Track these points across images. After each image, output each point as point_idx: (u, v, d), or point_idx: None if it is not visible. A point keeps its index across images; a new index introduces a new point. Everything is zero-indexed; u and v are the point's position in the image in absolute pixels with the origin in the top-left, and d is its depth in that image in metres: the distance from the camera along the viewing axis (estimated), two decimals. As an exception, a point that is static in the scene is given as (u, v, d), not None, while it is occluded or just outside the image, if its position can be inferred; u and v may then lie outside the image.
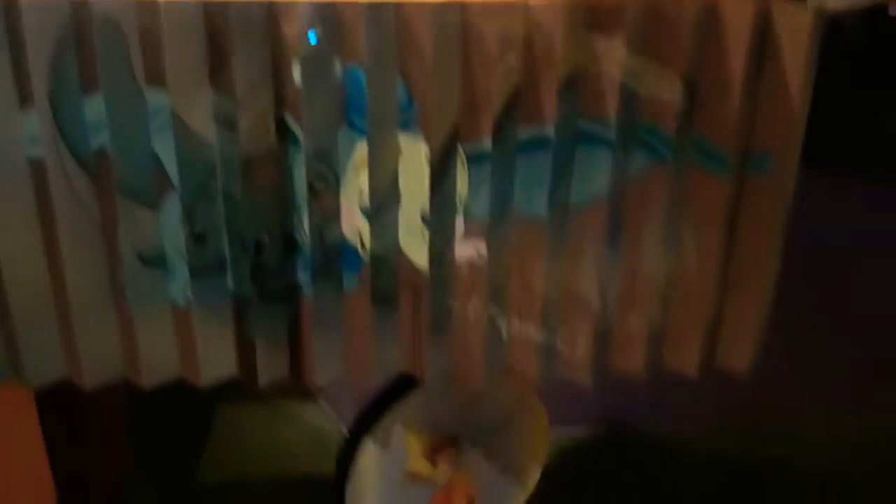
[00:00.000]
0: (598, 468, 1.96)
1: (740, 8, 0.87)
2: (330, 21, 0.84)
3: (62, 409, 1.28)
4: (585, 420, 2.07)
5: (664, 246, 0.97)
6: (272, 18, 0.84)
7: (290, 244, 0.94)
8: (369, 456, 1.23)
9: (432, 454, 1.27)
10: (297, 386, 2.20)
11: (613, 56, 0.88)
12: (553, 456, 1.48)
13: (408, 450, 1.25)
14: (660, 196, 0.94)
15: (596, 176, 0.93)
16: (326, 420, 2.07)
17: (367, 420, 1.23)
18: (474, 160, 0.91)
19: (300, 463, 1.93)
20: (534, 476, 1.41)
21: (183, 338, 0.96)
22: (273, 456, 1.95)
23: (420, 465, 1.30)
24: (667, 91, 0.90)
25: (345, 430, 2.04)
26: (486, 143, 0.89)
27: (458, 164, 0.92)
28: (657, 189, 0.94)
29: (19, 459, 1.23)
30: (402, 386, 1.17)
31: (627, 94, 0.89)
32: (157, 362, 0.97)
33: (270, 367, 0.99)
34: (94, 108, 0.85)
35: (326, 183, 0.91)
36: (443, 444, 1.27)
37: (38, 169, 0.86)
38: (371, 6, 0.83)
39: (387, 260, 0.95)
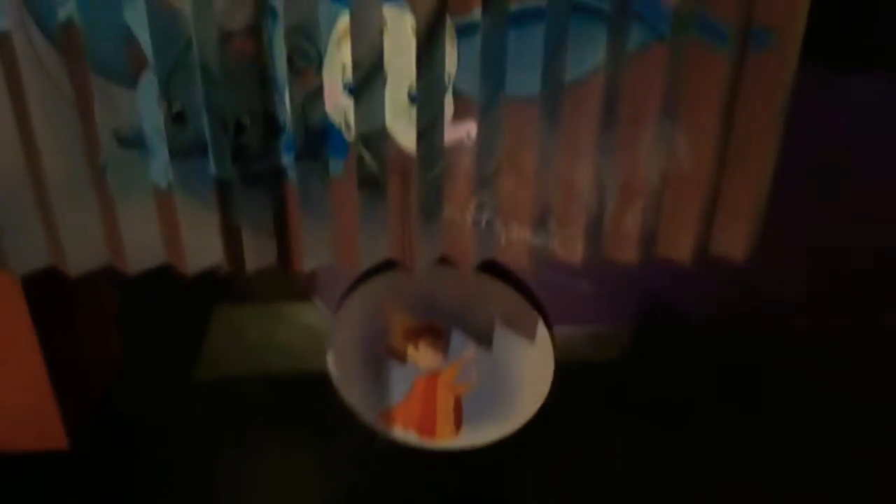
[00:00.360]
0: (606, 363, 1.98)
1: None
2: None
3: (53, 302, 1.28)
4: (583, 318, 2.08)
5: (661, 126, 0.94)
6: None
7: (272, 125, 0.91)
8: (351, 323, 1.24)
9: (415, 336, 1.27)
10: (292, 286, 2.20)
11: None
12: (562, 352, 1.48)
13: (390, 325, 1.25)
14: (658, 74, 0.90)
15: (591, 52, 0.88)
16: (321, 320, 2.08)
17: (350, 291, 1.22)
18: (463, 33, 0.86)
19: (295, 361, 1.94)
20: (536, 390, 1.37)
21: (167, 223, 0.94)
22: (268, 355, 1.96)
23: (400, 342, 1.30)
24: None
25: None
26: (476, 15, 0.85)
27: (447, 38, 0.87)
28: (655, 66, 0.90)
29: (11, 349, 1.23)
30: (390, 267, 1.16)
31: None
32: (142, 248, 0.95)
33: (257, 253, 0.98)
34: (60, -24, 0.80)
35: (307, 59, 0.87)
36: (427, 329, 1.27)
37: (4, 43, 0.82)
38: None
39: (373, 141, 0.92)
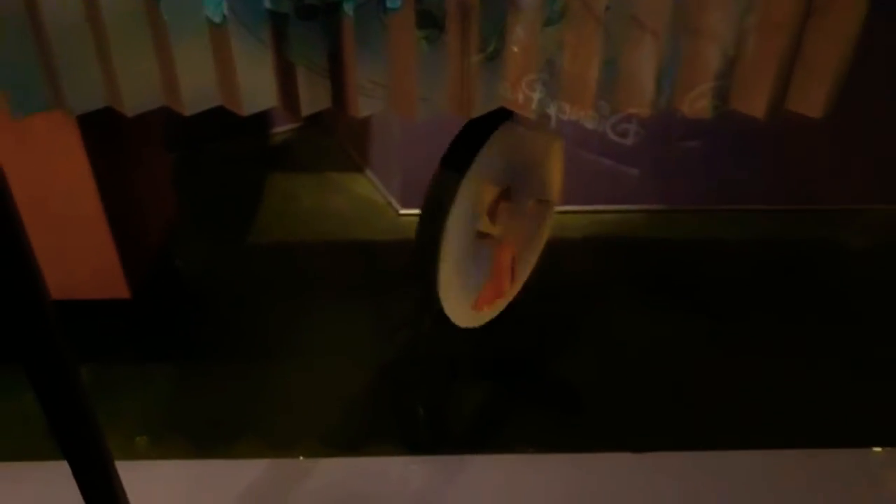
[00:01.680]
0: (654, 243, 1.95)
1: None
2: None
3: (112, 154, 1.29)
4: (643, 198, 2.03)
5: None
6: None
7: (328, -48, 0.87)
8: (456, 210, 1.18)
9: (493, 210, 1.25)
10: (345, 158, 2.20)
11: None
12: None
13: (479, 209, 1.22)
14: None
15: None
16: (374, 190, 2.07)
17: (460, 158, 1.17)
18: None
19: (346, 229, 1.96)
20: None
21: (221, 61, 0.92)
22: (321, 222, 1.98)
23: (487, 225, 1.28)
24: None
25: (393, 201, 2.06)
26: None
27: None
28: None
29: (73, 201, 1.25)
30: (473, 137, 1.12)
31: None
32: (197, 89, 0.93)
33: (312, 95, 0.95)
34: None
35: None
36: (500, 197, 1.24)
37: None
38: None
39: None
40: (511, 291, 1.42)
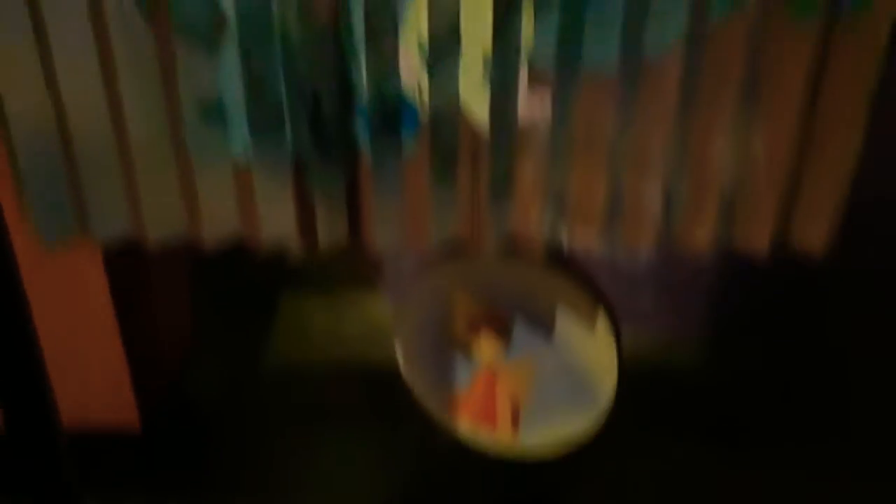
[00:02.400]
0: (673, 371, 1.93)
1: None
2: None
3: (132, 281, 1.32)
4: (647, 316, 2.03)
5: (741, 106, 0.91)
6: None
7: (347, 96, 0.92)
8: (417, 310, 1.23)
9: (478, 325, 1.25)
10: (359, 276, 2.21)
11: None
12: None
13: (455, 313, 1.24)
14: (739, 49, 0.88)
15: (671, 24, 0.87)
16: (387, 310, 2.08)
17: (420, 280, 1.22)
18: (542, 5, 0.86)
19: (361, 351, 1.96)
20: (604, 390, 1.32)
21: (243, 194, 0.96)
22: (335, 344, 1.98)
23: (464, 332, 1.29)
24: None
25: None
26: (556, -14, 0.84)
27: (523, 13, 0.87)
28: (736, 40, 0.88)
29: (90, 325, 1.27)
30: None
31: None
32: (218, 219, 0.97)
33: (329, 229, 0.99)
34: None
35: (384, 27, 0.87)
36: (490, 317, 1.25)
37: (96, 8, 0.85)
38: None
39: (446, 115, 0.92)
40: (517, 437, 1.39)
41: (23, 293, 0.91)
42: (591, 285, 1.26)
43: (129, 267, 1.31)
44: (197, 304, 1.85)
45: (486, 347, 1.29)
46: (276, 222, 0.98)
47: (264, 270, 2.02)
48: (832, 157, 0.94)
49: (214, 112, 0.91)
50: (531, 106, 0.92)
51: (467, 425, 1.38)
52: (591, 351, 1.31)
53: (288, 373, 1.89)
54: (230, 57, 0.87)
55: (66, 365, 1.22)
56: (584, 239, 1.00)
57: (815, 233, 1.00)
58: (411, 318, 1.29)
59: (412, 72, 0.90)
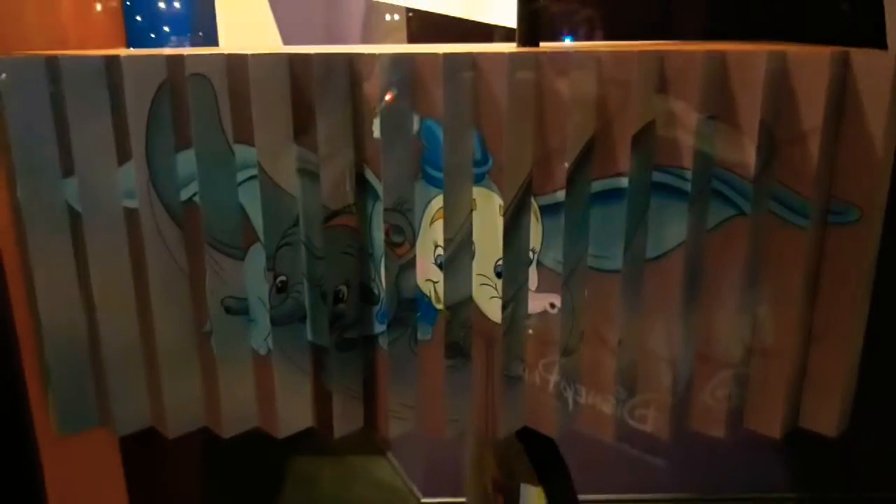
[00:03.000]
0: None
1: (815, 57, 0.86)
2: (407, 74, 0.87)
3: (142, 456, 1.32)
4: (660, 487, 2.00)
5: (743, 301, 0.95)
6: (353, 71, 0.88)
7: (367, 295, 0.96)
8: None
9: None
10: (367, 441, 2.21)
11: (688, 104, 0.88)
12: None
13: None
14: (738, 249, 0.93)
15: (671, 228, 0.92)
16: (396, 476, 2.06)
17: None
18: (548, 212, 0.92)
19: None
20: None
21: (262, 388, 0.98)
22: (343, 510, 1.95)
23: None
24: (739, 150, 0.90)
25: (415, 488, 2.03)
26: (560, 195, 0.90)
27: (532, 216, 0.93)
28: (736, 242, 0.93)
29: (100, 491, 1.26)
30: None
31: (702, 147, 0.89)
32: (237, 412, 0.99)
33: (346, 418, 1.00)
34: (185, 162, 0.89)
35: (402, 235, 0.93)
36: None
37: (131, 220, 0.91)
38: (447, 57, 0.86)
39: (460, 312, 0.96)
40: None
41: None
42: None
43: (139, 440, 1.31)
44: (206, 468, 1.84)
45: None
46: (294, 414, 1.00)
47: (272, 436, 2.01)
48: (837, 345, 0.97)
49: (238, 310, 0.95)
50: (541, 299, 0.95)
51: None
52: None
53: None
54: (255, 262, 0.92)
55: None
56: (596, 426, 1.02)
57: (826, 415, 1.01)
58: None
59: (428, 273, 0.94)
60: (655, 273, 0.94)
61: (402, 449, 2.09)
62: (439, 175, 0.90)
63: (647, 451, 1.96)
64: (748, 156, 0.89)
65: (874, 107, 0.87)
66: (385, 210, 0.91)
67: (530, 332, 0.97)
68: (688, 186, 0.90)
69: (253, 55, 0.86)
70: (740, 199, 0.91)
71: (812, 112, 0.88)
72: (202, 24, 1.58)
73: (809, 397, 1.01)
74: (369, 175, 0.91)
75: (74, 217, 0.91)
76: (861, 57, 0.88)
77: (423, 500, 1.98)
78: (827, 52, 0.87)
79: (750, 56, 0.87)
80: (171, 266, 0.93)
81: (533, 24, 1.05)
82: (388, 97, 0.87)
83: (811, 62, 0.87)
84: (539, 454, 1.20)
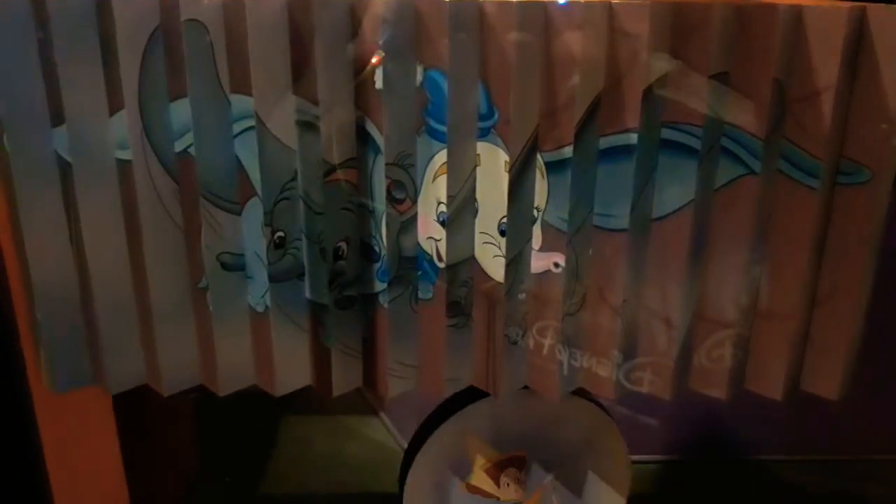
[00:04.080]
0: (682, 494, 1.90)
1: (831, 12, 0.84)
2: (410, 22, 0.84)
3: (138, 416, 1.30)
4: (661, 448, 2.01)
5: (749, 261, 0.94)
6: (355, 17, 0.84)
7: (368, 252, 0.94)
8: (429, 460, 1.21)
9: (496, 471, 1.24)
10: (359, 401, 2.20)
11: (702, 58, 0.85)
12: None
13: (470, 461, 1.22)
14: (746, 209, 0.91)
15: (679, 187, 0.90)
16: (388, 436, 2.06)
17: (430, 426, 1.20)
18: (553, 168, 0.89)
19: (362, 478, 1.92)
20: None
21: (259, 346, 0.97)
22: (335, 468, 1.94)
23: (482, 480, 1.27)
24: (750, 108, 0.87)
25: (406, 445, 2.03)
26: (567, 151, 0.88)
27: (537, 173, 0.90)
28: (743, 202, 0.91)
29: (95, 461, 1.25)
30: (469, 396, 1.14)
31: (713, 104, 0.87)
32: (234, 370, 0.97)
33: (345, 376, 0.99)
34: (179, 112, 0.86)
35: (404, 191, 0.91)
36: (509, 461, 1.24)
37: (124, 172, 0.88)
38: (453, 5, 0.83)
39: (462, 270, 0.94)
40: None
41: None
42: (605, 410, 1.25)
43: (133, 397, 1.30)
44: (198, 427, 1.83)
45: (506, 491, 1.27)
46: (292, 372, 0.98)
47: (265, 395, 2.00)
48: (841, 307, 0.96)
49: (234, 266, 0.92)
50: (545, 258, 0.94)
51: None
52: (607, 478, 1.30)
53: (288, 498, 1.85)
54: (252, 217, 0.90)
55: (69, 490, 1.20)
56: (597, 386, 1.01)
57: (828, 378, 1.00)
58: (424, 474, 1.24)
59: (429, 230, 0.92)
60: (661, 232, 0.92)
61: (394, 409, 2.09)
62: (443, 129, 0.87)
63: (640, 411, 1.96)
64: (760, 114, 0.87)
65: (890, 65, 0.85)
66: (386, 165, 0.88)
67: (533, 292, 0.95)
68: (697, 144, 0.88)
69: (252, 1, 0.82)
70: (750, 157, 0.89)
71: (826, 70, 0.85)
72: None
73: (812, 361, 1.00)
74: (370, 127, 0.89)
75: (64, 168, 0.88)
76: (879, 13, 0.85)
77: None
78: (844, 8, 0.84)
79: (765, 10, 0.84)
80: (166, 220, 0.90)
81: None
82: (374, 59, 0.84)
83: (828, 17, 0.84)
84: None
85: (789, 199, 0.92)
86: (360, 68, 0.86)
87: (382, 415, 2.14)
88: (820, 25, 0.85)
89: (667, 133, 0.89)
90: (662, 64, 0.86)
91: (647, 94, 0.86)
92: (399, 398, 2.06)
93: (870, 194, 0.91)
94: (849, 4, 0.85)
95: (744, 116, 0.88)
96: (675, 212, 0.91)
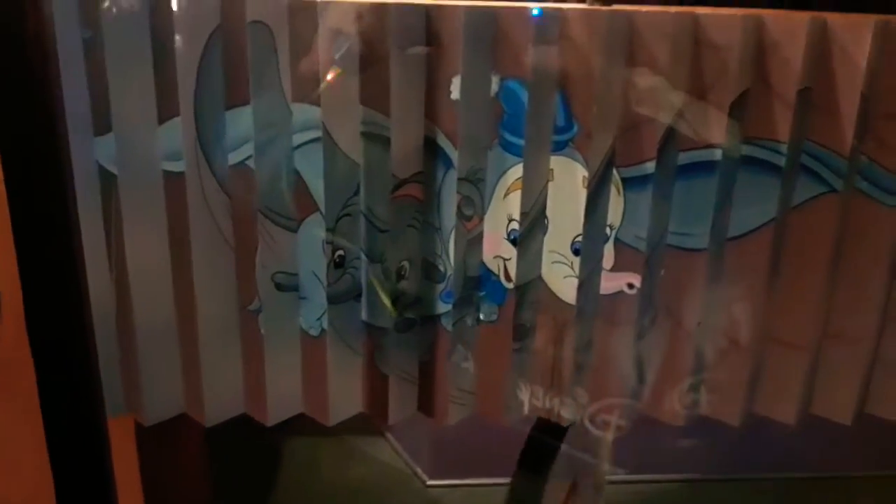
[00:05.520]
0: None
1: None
2: (489, 30, 0.79)
3: (160, 442, 1.23)
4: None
5: (825, 282, 0.90)
6: (431, 24, 0.79)
7: (430, 272, 0.88)
8: None
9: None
10: (365, 421, 2.13)
11: (787, 73, 0.82)
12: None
13: None
14: (825, 228, 0.88)
15: (759, 204, 0.86)
16: (397, 458, 1.99)
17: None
18: (632, 184, 0.85)
19: (368, 498, 1.85)
20: None
21: (310, 371, 0.90)
22: (342, 492, 1.87)
23: None
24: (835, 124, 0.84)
25: (419, 470, 1.97)
26: (647, 167, 0.83)
27: (613, 189, 0.86)
28: (822, 220, 0.88)
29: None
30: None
31: (798, 120, 0.83)
32: (283, 398, 0.91)
33: (401, 403, 0.93)
34: (236, 121, 0.80)
35: (473, 207, 0.85)
36: (570, 494, 1.19)
37: (171, 185, 0.81)
38: (535, 14, 0.78)
39: (530, 291, 0.89)
40: None
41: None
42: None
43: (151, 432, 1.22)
44: (204, 449, 1.74)
45: None
46: (344, 397, 0.92)
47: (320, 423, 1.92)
48: (854, 341, 0.93)
49: (289, 286, 0.86)
50: (617, 279, 0.89)
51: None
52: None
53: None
54: (311, 232, 0.84)
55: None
56: (666, 410, 0.96)
57: (842, 404, 0.96)
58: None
59: (497, 249, 0.87)
60: (738, 252, 0.88)
61: (402, 429, 2.02)
62: (518, 142, 0.83)
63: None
64: (844, 130, 0.84)
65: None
66: (458, 180, 0.83)
67: (603, 314, 0.90)
68: (781, 161, 0.84)
69: (322, 1, 0.76)
70: (832, 175, 0.86)
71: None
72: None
73: (825, 386, 0.97)
74: (442, 141, 0.83)
75: (106, 180, 0.81)
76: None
77: (430, 482, 1.91)
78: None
79: (854, 24, 0.81)
80: (217, 237, 0.84)
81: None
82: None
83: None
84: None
85: (867, 218, 0.89)
86: (434, 79, 0.81)
87: (389, 436, 2.08)
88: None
89: (748, 149, 0.85)
90: (746, 79, 0.82)
91: (733, 108, 0.82)
92: (405, 420, 1.99)
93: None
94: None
95: (828, 132, 0.85)
96: (754, 230, 0.87)
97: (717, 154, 0.83)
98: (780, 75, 0.82)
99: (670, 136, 0.83)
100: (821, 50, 0.83)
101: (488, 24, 0.79)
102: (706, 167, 0.84)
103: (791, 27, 0.81)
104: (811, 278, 0.90)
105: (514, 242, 0.86)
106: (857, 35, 0.81)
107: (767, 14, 0.82)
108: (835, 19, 0.82)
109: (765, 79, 0.83)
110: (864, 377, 0.95)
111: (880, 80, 0.84)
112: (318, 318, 0.87)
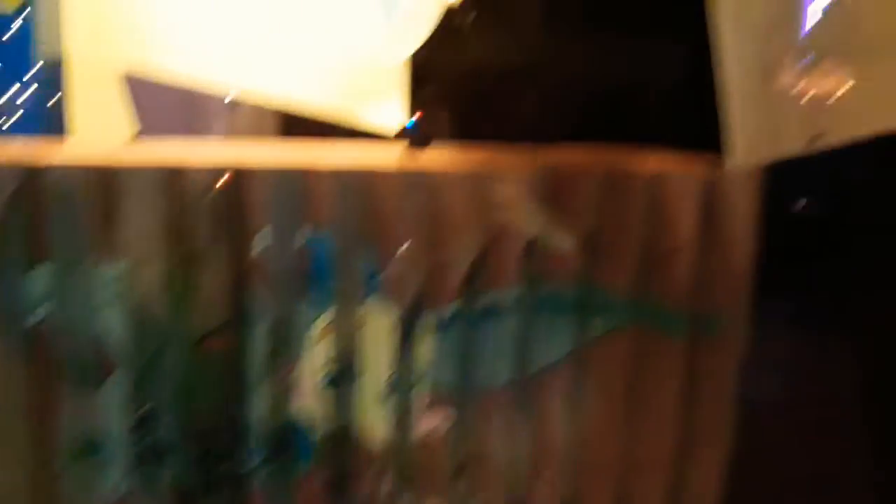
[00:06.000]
0: None
1: (687, 178, 0.92)
2: (298, 188, 0.83)
3: None
4: None
5: (622, 412, 0.96)
6: (237, 185, 0.83)
7: (239, 427, 0.87)
8: None
9: None
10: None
11: (569, 228, 0.90)
12: None
13: None
14: (618, 360, 0.94)
15: (553, 342, 0.92)
16: None
17: None
18: (441, 327, 0.89)
19: None
20: None
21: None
22: None
23: None
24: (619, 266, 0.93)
25: None
26: (451, 309, 0.88)
27: (424, 332, 0.90)
28: (616, 354, 0.94)
29: None
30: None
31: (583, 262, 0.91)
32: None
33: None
34: (37, 280, 0.79)
35: (284, 358, 0.86)
36: None
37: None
38: (339, 174, 0.83)
39: (344, 438, 0.89)
40: None
41: None
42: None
43: None
44: None
45: None
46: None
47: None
48: (711, 453, 0.99)
49: (92, 449, 0.82)
50: (431, 418, 0.91)
51: None
52: None
53: None
54: (112, 395, 0.81)
55: None
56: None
57: None
58: None
59: (307, 398, 0.87)
60: (540, 387, 0.93)
61: None
62: (327, 289, 0.85)
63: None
64: (628, 271, 0.92)
65: (738, 225, 0.93)
66: (267, 332, 0.84)
67: (419, 453, 0.92)
68: (570, 300, 0.91)
69: (127, 168, 0.78)
70: (620, 312, 0.94)
71: (684, 228, 0.92)
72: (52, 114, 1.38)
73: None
74: (251, 290, 0.85)
75: None
76: (727, 178, 0.94)
77: None
78: (700, 174, 0.92)
79: (629, 178, 0.91)
80: (8, 405, 0.79)
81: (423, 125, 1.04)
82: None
83: (684, 184, 0.92)
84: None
85: (657, 351, 0.96)
86: (242, 233, 0.83)
87: None
88: (678, 191, 0.92)
89: (541, 291, 0.92)
90: (537, 226, 0.90)
91: (523, 254, 0.89)
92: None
93: (724, 343, 0.97)
94: (703, 170, 0.93)
95: (613, 273, 0.93)
96: (550, 366, 0.92)
97: (512, 297, 0.89)
98: (566, 222, 0.91)
99: (470, 280, 0.88)
100: (603, 199, 0.91)
101: (294, 184, 0.83)
102: (502, 310, 0.90)
103: (574, 177, 0.90)
104: (607, 409, 0.95)
105: (326, 388, 0.87)
106: (631, 185, 0.91)
107: (552, 164, 0.91)
108: (613, 169, 0.92)
109: (552, 225, 0.91)
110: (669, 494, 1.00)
111: (656, 223, 0.92)
112: (120, 481, 0.83)
